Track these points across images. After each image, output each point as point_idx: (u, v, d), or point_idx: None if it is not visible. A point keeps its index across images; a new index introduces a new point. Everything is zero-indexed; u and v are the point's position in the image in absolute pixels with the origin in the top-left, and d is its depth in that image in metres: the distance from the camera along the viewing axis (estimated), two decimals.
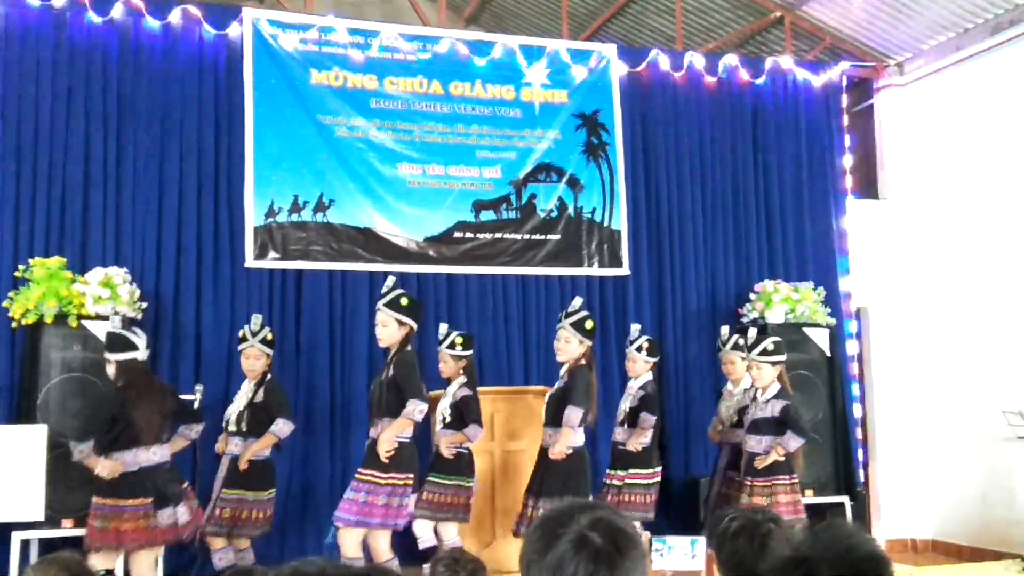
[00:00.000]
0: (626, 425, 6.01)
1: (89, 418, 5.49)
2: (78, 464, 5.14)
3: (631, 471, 5.90)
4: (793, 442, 5.79)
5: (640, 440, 5.87)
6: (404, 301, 5.24)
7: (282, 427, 5.56)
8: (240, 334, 5.83)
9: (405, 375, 5.09)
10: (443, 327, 5.88)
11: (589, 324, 5.74)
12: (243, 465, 5.48)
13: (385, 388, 5.14)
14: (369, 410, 5.41)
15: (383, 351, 6.75)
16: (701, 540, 4.72)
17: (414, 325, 5.27)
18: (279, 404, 5.64)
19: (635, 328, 6.28)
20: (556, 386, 5.80)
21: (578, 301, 5.92)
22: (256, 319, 5.81)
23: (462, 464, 5.58)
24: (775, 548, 1.94)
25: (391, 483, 5.02)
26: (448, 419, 5.63)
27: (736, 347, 6.44)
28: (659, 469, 6.03)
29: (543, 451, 5.69)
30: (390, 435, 5.01)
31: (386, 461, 4.99)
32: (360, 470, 5.11)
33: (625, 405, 6.09)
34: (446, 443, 5.55)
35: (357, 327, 6.82)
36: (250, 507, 5.51)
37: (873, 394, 7.98)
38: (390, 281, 5.40)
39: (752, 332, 6.23)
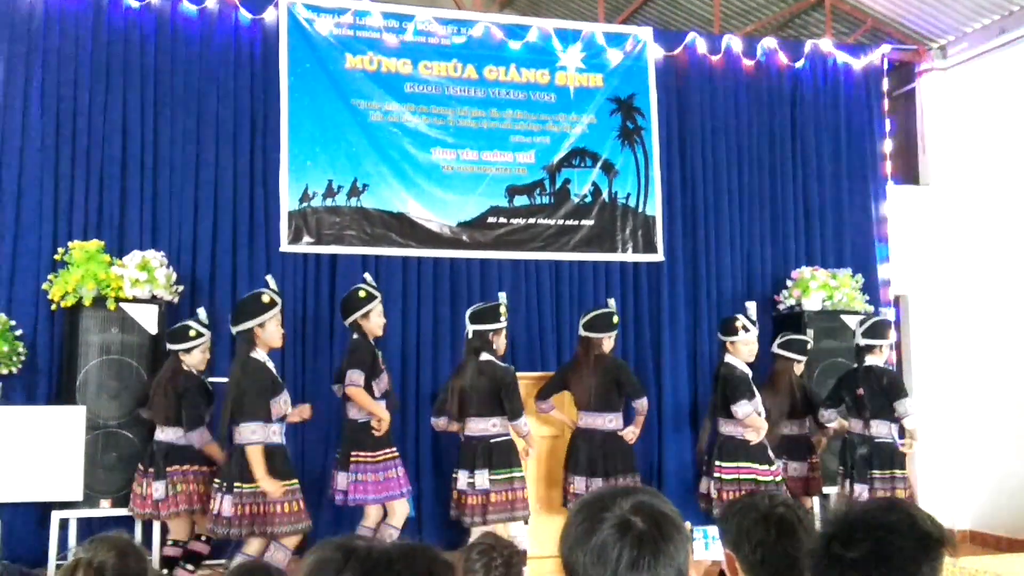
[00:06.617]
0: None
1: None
2: (115, 445, 5.16)
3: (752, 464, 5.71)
4: None
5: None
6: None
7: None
8: (192, 332, 5.53)
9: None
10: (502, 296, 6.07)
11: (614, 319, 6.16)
12: None
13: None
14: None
15: (415, 337, 6.81)
16: None
17: None
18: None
19: (752, 306, 6.23)
20: (588, 376, 5.90)
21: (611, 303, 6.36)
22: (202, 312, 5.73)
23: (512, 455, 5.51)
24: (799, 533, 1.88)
25: None
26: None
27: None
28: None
29: (596, 432, 5.81)
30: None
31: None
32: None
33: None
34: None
35: (390, 312, 6.79)
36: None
37: (911, 382, 7.85)
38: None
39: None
